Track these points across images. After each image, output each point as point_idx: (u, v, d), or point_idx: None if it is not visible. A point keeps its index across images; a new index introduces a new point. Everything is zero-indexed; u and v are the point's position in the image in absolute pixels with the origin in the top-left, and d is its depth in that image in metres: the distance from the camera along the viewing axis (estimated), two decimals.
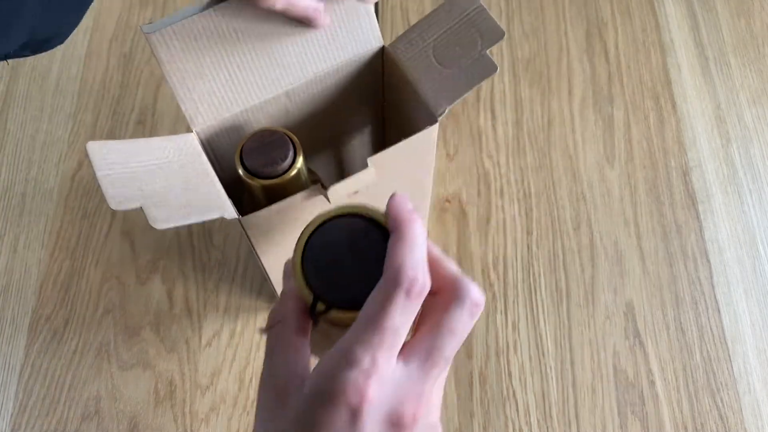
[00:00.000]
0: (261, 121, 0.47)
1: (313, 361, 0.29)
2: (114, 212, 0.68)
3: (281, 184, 0.43)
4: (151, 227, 0.71)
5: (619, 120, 0.74)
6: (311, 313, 0.30)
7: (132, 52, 0.78)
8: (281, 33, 0.43)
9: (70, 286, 0.65)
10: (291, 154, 0.43)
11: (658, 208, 0.70)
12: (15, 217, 0.69)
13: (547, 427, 0.61)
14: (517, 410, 0.61)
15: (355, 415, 0.25)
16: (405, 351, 0.27)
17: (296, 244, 0.32)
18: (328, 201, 0.41)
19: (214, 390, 0.61)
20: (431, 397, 0.28)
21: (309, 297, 0.30)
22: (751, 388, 0.62)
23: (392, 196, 0.30)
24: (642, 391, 0.62)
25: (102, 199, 0.69)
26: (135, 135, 0.73)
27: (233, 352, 0.63)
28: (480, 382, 0.62)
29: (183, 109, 0.43)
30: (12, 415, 0.60)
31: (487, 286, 0.66)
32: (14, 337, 0.63)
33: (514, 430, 0.60)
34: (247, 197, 0.47)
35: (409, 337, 0.28)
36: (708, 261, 0.67)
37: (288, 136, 0.44)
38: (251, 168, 0.43)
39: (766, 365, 0.63)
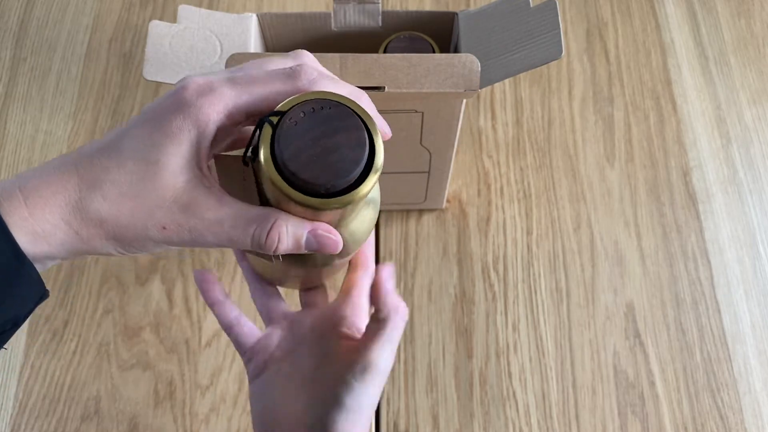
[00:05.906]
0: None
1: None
2: None
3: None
4: None
5: (619, 120, 0.74)
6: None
7: (132, 52, 0.77)
8: None
9: (70, 286, 0.65)
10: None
11: (658, 208, 0.70)
12: None
13: (548, 428, 0.60)
14: (518, 411, 0.61)
15: None
16: None
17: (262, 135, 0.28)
18: None
19: (214, 390, 0.61)
20: None
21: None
22: (752, 389, 0.62)
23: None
24: (642, 392, 0.62)
25: None
26: None
27: (233, 353, 0.63)
28: (480, 383, 0.62)
29: None
30: (12, 415, 0.60)
31: (487, 286, 0.66)
32: (14, 338, 0.63)
33: (514, 430, 0.60)
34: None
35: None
36: (708, 261, 0.67)
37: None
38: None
39: (766, 365, 0.63)
